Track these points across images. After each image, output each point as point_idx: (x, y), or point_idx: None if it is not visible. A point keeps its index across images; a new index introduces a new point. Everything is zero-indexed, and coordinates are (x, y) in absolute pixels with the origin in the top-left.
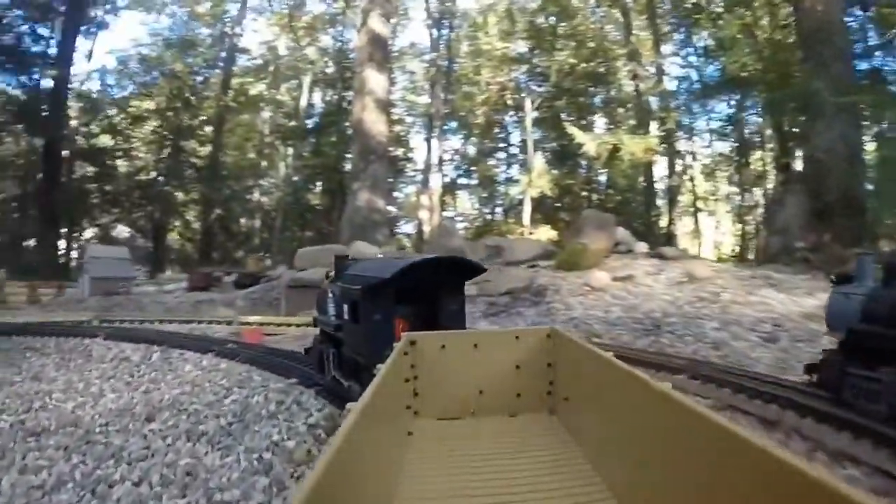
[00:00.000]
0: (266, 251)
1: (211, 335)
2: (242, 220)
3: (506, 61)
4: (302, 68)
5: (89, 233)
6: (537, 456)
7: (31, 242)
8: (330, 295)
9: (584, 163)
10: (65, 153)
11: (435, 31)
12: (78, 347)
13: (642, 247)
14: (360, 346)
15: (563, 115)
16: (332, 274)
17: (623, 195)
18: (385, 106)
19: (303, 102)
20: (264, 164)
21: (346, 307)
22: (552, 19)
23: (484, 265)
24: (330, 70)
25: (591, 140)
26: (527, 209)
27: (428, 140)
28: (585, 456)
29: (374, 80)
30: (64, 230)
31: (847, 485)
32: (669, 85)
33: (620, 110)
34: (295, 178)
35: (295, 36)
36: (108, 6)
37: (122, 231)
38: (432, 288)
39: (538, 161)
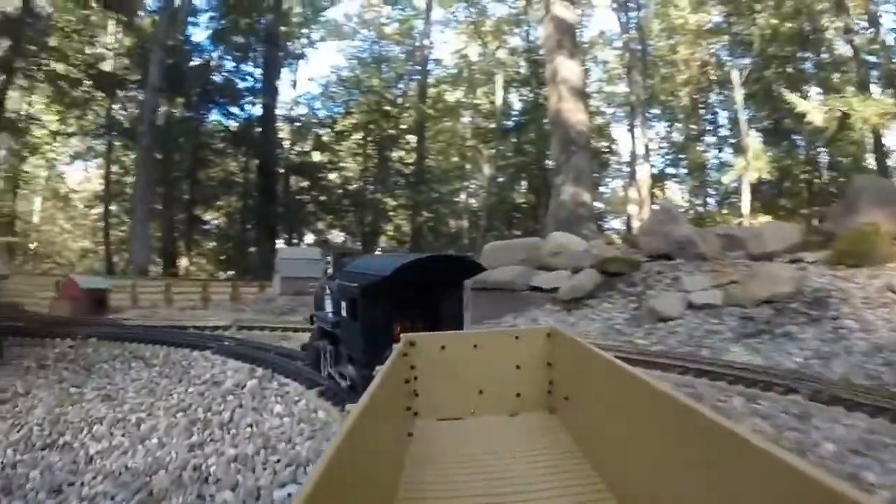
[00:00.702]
0: (473, 251)
1: None
2: (451, 222)
3: (702, 34)
4: (494, 71)
5: (309, 238)
6: (537, 456)
7: (254, 248)
8: (328, 291)
9: (801, 142)
10: (280, 170)
11: (622, 15)
12: (183, 361)
13: None
14: (359, 344)
15: (773, 87)
16: (330, 270)
17: (848, 177)
18: (581, 94)
19: (498, 101)
20: (468, 166)
21: (344, 304)
22: None
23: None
24: (522, 69)
25: (815, 108)
26: (745, 196)
27: (631, 129)
28: (585, 456)
29: (567, 67)
30: (285, 236)
31: (848, 484)
32: (887, 37)
33: (836, 75)
34: (499, 179)
35: (483, 41)
36: (304, 41)
37: (336, 236)
38: (432, 286)
39: (753, 141)
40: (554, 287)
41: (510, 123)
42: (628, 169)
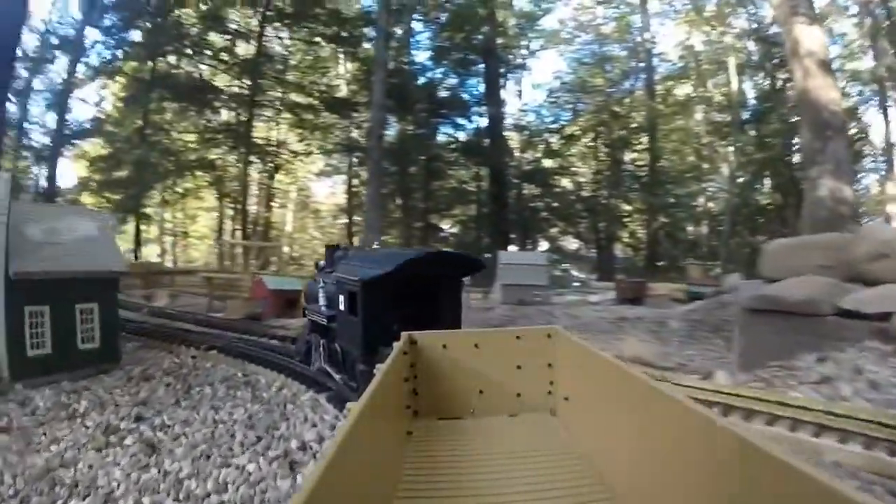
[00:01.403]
0: (714, 259)
1: None
2: (689, 228)
3: None
4: (723, 59)
5: (543, 245)
6: (537, 456)
7: (489, 255)
8: (322, 284)
9: None
10: (512, 178)
11: None
12: (290, 402)
13: None
14: (357, 338)
15: None
16: (323, 263)
17: None
18: (829, 67)
19: (733, 87)
20: (705, 166)
21: (341, 298)
22: None
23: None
24: (754, 53)
25: None
26: None
27: (884, 111)
28: (585, 456)
29: (809, 36)
30: (518, 244)
31: (846, 484)
32: None
33: None
34: (739, 178)
35: (709, 25)
36: (523, 51)
37: (570, 242)
38: (431, 282)
39: None
40: (883, 312)
41: (747, 115)
42: (885, 159)
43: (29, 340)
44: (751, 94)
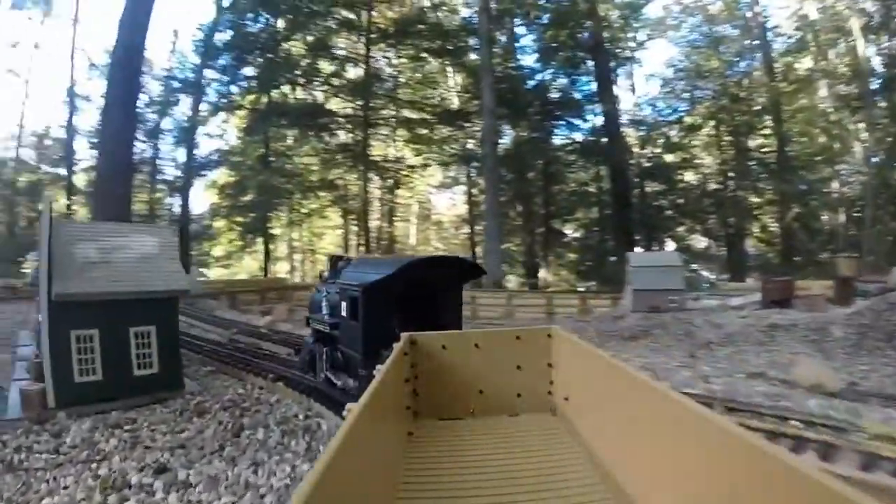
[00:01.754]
0: (856, 250)
1: None
2: (824, 217)
3: None
4: (843, 25)
5: (669, 245)
6: (538, 456)
7: (614, 258)
8: (325, 293)
9: None
10: (634, 177)
11: None
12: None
13: None
14: (359, 343)
15: None
16: (326, 274)
17: None
18: None
19: (860, 51)
20: (836, 146)
21: (344, 305)
22: None
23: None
24: (873, 13)
25: None
26: None
27: None
28: (586, 456)
29: None
30: (644, 244)
31: (846, 484)
32: None
33: None
34: (875, 158)
35: None
36: (631, 44)
37: (698, 240)
38: (432, 286)
39: None
40: None
41: (876, 84)
42: None
43: (76, 366)
44: (876, 61)
